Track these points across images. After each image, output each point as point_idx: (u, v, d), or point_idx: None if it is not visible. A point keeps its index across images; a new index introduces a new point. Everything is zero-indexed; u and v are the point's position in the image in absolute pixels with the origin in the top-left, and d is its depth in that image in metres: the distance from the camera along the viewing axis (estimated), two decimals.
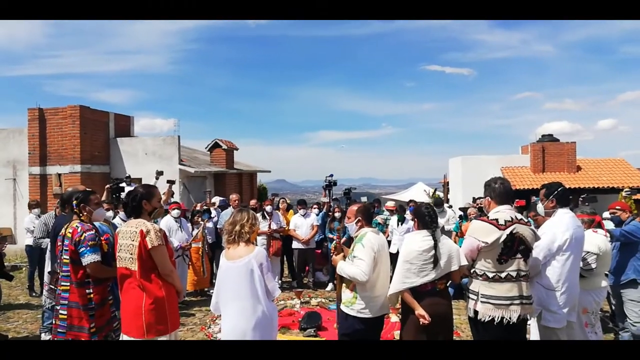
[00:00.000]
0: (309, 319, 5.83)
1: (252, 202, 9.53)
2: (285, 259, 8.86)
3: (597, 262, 3.99)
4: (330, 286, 8.22)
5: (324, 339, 5.38)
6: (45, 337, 5.17)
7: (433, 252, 3.37)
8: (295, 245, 8.30)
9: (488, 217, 3.54)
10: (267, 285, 3.33)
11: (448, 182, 19.57)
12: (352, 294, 3.63)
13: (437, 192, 20.37)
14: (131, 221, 3.40)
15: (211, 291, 7.91)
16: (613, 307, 4.83)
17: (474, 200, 7.47)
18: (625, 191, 7.96)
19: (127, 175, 6.73)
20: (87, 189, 3.90)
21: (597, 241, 4.01)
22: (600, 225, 4.27)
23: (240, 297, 3.28)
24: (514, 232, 3.39)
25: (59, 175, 12.80)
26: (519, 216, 3.62)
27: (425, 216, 3.52)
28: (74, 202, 3.67)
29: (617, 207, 4.92)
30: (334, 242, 3.95)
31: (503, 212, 3.51)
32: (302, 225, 8.32)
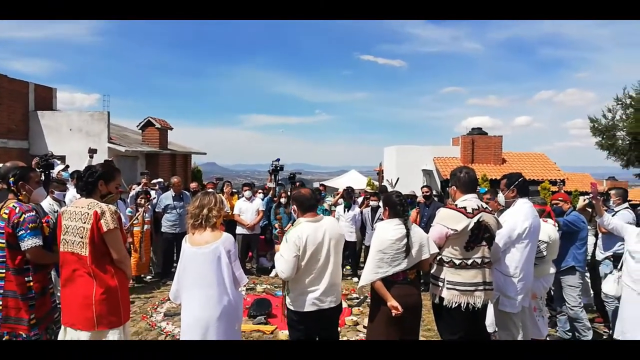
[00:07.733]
0: (258, 306, 5.65)
1: (193, 185, 9.12)
2: None
3: (547, 250, 4.19)
4: (274, 272, 8.07)
5: (275, 326, 5.25)
6: None
7: (405, 240, 3.33)
8: (239, 230, 8.02)
9: (456, 205, 3.58)
10: (235, 273, 3.15)
11: (383, 170, 20.02)
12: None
13: (372, 180, 20.79)
14: (81, 200, 3.04)
15: (148, 277, 7.57)
16: (552, 292, 5.12)
17: (423, 188, 7.63)
18: (560, 182, 8.41)
19: (49, 152, 6.08)
20: (26, 165, 3.45)
21: (547, 230, 4.19)
22: (550, 215, 4.48)
23: (205, 285, 3.07)
24: (480, 220, 3.46)
25: None
26: (484, 205, 3.70)
27: (397, 205, 3.46)
28: (11, 180, 3.22)
29: (560, 199, 5.21)
30: (277, 230, 3.69)
31: (470, 200, 3.57)
32: (247, 211, 8.07)
